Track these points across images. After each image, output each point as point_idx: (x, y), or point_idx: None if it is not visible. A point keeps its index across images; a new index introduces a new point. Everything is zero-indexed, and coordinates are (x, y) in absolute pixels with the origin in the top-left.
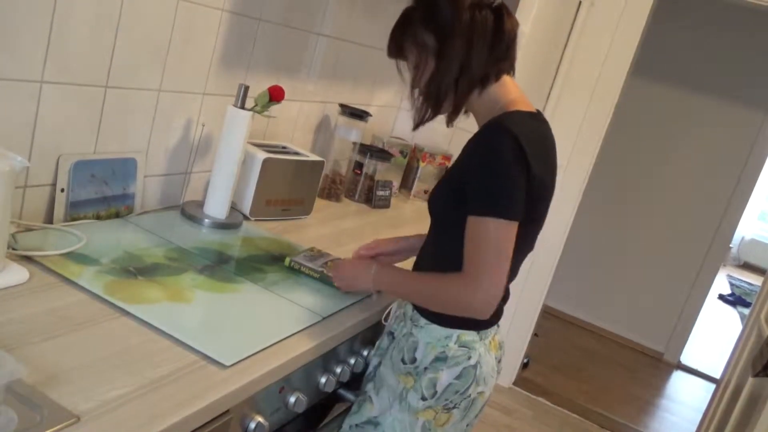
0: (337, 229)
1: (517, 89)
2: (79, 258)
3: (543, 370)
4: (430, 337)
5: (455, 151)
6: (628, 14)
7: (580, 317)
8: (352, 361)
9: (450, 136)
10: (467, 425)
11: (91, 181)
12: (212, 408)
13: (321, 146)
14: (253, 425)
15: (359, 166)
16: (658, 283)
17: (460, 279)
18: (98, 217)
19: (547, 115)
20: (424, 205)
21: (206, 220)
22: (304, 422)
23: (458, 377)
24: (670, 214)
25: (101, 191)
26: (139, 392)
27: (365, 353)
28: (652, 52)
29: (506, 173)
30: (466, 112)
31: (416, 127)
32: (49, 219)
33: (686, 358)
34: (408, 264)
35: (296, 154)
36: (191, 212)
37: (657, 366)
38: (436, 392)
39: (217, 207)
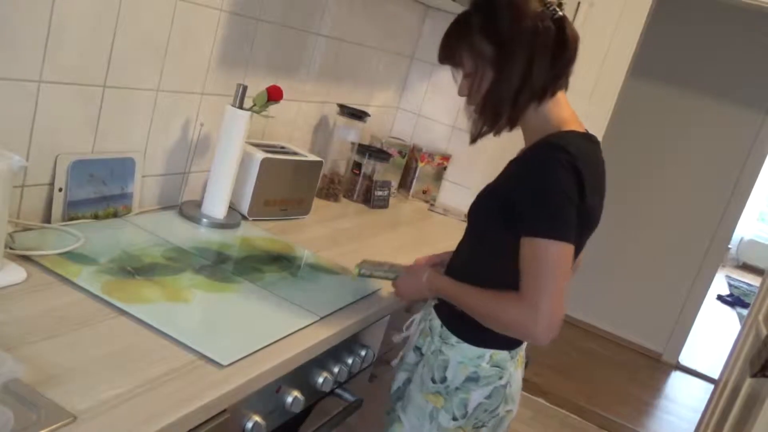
0: (335, 229)
1: (569, 107)
2: (77, 257)
3: (542, 370)
4: (462, 356)
5: (454, 152)
6: (628, 14)
7: (579, 318)
8: (350, 360)
9: (449, 137)
10: None
11: (89, 181)
12: (209, 407)
13: (320, 146)
14: (250, 425)
15: (358, 166)
16: (657, 284)
17: (519, 302)
18: (96, 217)
19: None
20: (423, 206)
21: (204, 220)
22: (300, 422)
23: (488, 397)
24: (668, 215)
25: (99, 191)
26: (136, 392)
27: (363, 353)
28: (651, 52)
29: (564, 195)
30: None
31: (473, 140)
32: (47, 218)
33: (685, 359)
34: None
35: (295, 154)
36: (189, 212)
37: (656, 366)
38: (466, 412)
39: (215, 207)
